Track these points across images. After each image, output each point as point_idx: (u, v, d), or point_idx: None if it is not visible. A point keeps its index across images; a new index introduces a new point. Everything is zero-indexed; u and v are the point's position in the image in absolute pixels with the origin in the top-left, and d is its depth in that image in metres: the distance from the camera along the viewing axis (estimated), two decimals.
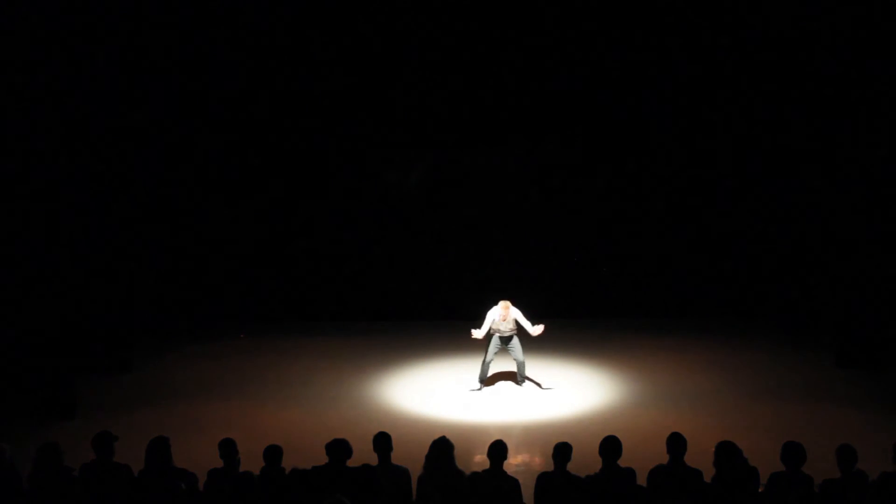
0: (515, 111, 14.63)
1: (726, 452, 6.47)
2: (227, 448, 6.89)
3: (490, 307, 11.45)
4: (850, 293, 12.47)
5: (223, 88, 14.26)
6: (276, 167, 15.13)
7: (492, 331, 11.43)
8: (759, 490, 6.43)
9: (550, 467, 6.77)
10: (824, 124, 12.97)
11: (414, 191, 15.35)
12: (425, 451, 6.85)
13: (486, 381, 11.91)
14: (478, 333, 11.33)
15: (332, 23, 13.92)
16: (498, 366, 12.28)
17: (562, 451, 6.73)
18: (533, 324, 11.37)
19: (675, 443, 6.68)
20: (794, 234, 14.53)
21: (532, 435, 10.13)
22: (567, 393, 11.58)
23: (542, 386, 11.76)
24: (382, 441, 6.99)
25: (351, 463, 6.69)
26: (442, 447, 6.77)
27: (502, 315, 11.32)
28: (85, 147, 12.19)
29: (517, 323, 11.42)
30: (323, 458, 6.71)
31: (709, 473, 6.57)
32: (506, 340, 11.45)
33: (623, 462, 6.62)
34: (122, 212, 13.50)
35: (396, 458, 7.01)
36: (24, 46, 11.15)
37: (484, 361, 11.62)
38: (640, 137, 14.87)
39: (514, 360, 11.61)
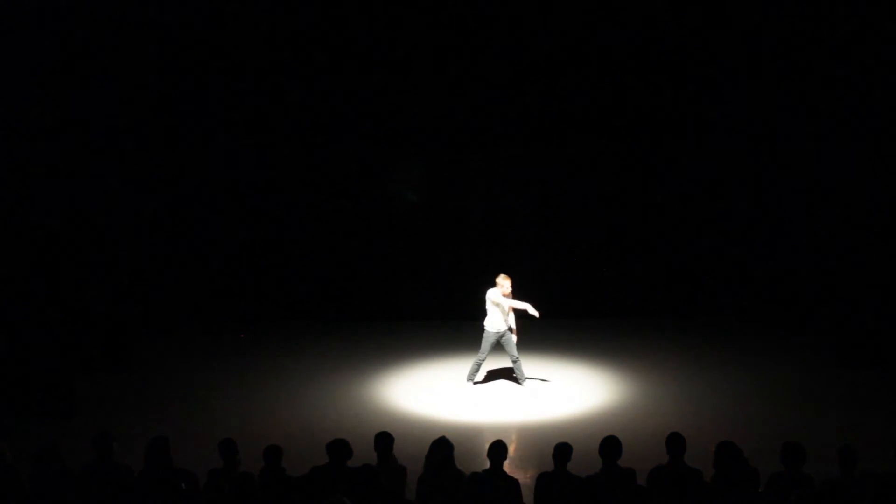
0: (515, 111, 14.63)
1: (726, 452, 6.48)
2: (227, 448, 6.89)
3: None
4: (851, 292, 12.46)
5: (225, 89, 14.26)
6: (277, 167, 15.12)
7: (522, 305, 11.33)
8: (759, 490, 6.43)
9: (550, 467, 6.77)
10: (823, 125, 12.96)
11: (411, 197, 15.36)
12: (425, 451, 6.84)
13: (485, 380, 11.92)
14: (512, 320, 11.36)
15: (334, 23, 13.92)
16: (498, 365, 12.28)
17: (562, 451, 6.73)
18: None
19: (675, 443, 6.68)
20: (795, 234, 14.51)
21: (532, 435, 10.12)
22: (567, 393, 11.57)
23: (537, 382, 11.77)
24: (383, 441, 6.98)
25: (351, 463, 6.69)
26: (442, 447, 6.77)
27: (504, 289, 11.21)
28: (84, 145, 12.19)
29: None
30: (323, 458, 6.71)
31: (709, 473, 6.57)
32: (502, 334, 11.41)
33: (623, 462, 6.62)
34: (122, 210, 13.49)
35: (396, 458, 7.01)
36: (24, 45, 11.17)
37: (477, 360, 11.60)
38: (640, 137, 14.86)
39: (509, 356, 11.59)
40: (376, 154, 15.21)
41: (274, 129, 14.82)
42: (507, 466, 6.85)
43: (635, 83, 14.36)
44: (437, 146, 15.08)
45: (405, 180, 15.45)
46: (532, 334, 12.61)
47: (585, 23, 13.87)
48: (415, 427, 10.03)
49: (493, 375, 12.18)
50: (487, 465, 6.75)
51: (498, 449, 6.74)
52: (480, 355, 11.53)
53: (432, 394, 11.60)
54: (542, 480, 6.71)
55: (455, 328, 13.79)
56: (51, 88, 11.51)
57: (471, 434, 9.96)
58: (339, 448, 6.70)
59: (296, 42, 14.03)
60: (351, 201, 15.21)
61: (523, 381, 11.70)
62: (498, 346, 11.54)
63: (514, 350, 11.49)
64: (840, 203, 12.70)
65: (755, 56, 13.72)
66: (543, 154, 15.26)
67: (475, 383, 11.79)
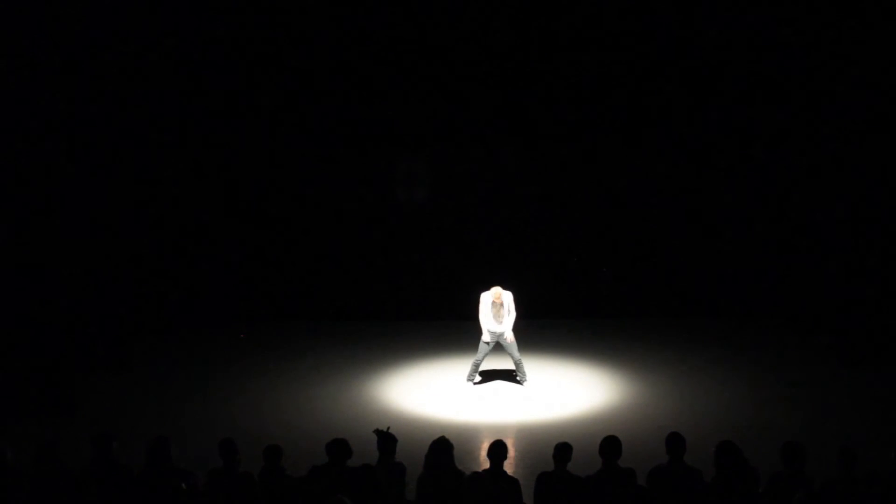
0: (515, 110, 14.64)
1: (726, 452, 6.47)
2: (227, 448, 6.88)
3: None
4: (852, 292, 12.46)
5: (223, 87, 14.25)
6: (277, 166, 15.12)
7: (485, 326, 11.38)
8: (759, 490, 6.43)
9: (550, 467, 6.78)
10: (822, 126, 12.96)
11: (413, 195, 15.36)
12: (425, 451, 6.84)
13: (485, 380, 11.92)
14: (485, 329, 11.32)
15: (334, 21, 13.93)
16: (498, 365, 12.28)
17: (562, 451, 6.73)
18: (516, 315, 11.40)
19: (675, 443, 6.68)
20: (795, 233, 14.51)
21: (532, 435, 10.12)
22: (566, 393, 11.57)
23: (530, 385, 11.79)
24: (386, 441, 6.98)
25: (351, 463, 6.69)
26: (441, 447, 6.77)
27: (495, 296, 11.27)
28: (82, 144, 12.19)
29: (507, 309, 11.38)
30: (323, 458, 6.71)
31: (709, 473, 6.57)
32: (498, 336, 11.41)
33: (623, 462, 6.62)
34: (121, 210, 13.48)
35: (396, 458, 7.01)
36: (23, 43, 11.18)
37: (475, 360, 11.60)
38: (639, 136, 14.85)
39: (511, 357, 11.59)
40: (376, 153, 15.21)
41: (274, 128, 14.82)
42: (507, 466, 6.85)
43: (634, 83, 14.37)
44: (437, 145, 15.09)
45: (405, 179, 15.44)
46: (532, 334, 12.61)
47: (586, 21, 13.87)
48: (415, 427, 10.02)
49: (493, 375, 12.18)
50: (487, 465, 6.75)
51: (498, 449, 6.73)
52: (478, 356, 11.55)
53: (432, 394, 11.60)
54: (542, 480, 6.70)
55: (455, 328, 13.77)
56: (49, 87, 11.51)
57: (471, 434, 9.96)
58: (339, 448, 6.69)
59: (296, 40, 14.03)
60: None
61: (525, 381, 11.70)
62: (499, 347, 11.54)
63: (515, 351, 11.50)
64: (840, 203, 12.70)
65: (754, 55, 13.73)
66: (543, 153, 15.24)
67: (475, 384, 11.80)
